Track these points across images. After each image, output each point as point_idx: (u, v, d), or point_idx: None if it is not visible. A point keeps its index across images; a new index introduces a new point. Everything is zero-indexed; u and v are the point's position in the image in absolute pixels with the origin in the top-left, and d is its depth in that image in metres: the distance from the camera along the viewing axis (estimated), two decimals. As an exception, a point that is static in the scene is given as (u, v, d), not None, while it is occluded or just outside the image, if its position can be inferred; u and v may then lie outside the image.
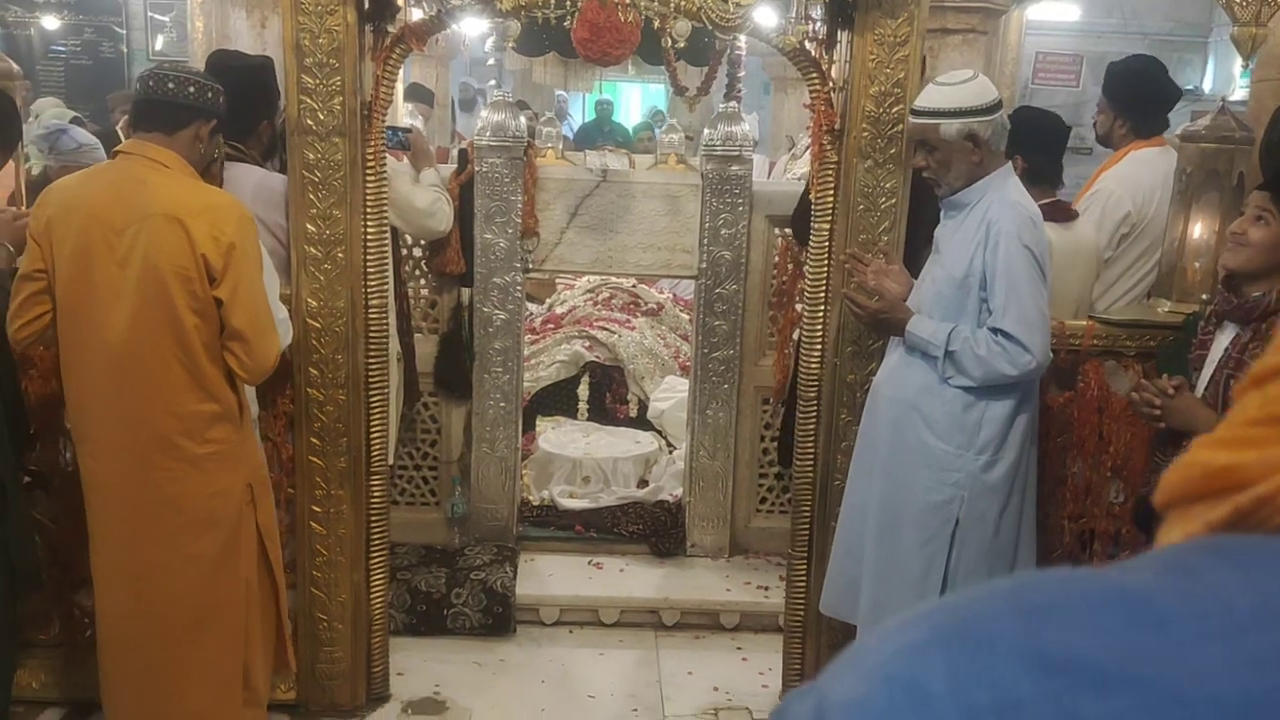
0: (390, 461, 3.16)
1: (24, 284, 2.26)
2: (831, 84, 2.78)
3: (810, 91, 2.81)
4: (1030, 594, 0.32)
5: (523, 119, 3.62)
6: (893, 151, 2.72)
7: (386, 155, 2.82)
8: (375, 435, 2.84)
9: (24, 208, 3.00)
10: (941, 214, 2.58)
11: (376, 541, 2.91)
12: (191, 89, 2.23)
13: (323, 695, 2.93)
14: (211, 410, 2.23)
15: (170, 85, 2.22)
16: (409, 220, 3.21)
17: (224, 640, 2.33)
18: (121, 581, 2.29)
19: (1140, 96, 3.33)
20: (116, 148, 2.30)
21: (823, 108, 2.77)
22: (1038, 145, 2.96)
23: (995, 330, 2.38)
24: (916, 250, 2.78)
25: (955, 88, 2.44)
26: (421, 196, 3.20)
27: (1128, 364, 2.84)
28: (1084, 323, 2.85)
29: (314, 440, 2.78)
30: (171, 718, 2.33)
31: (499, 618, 3.40)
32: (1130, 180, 3.22)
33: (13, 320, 2.28)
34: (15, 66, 3.18)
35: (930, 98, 2.47)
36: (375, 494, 2.88)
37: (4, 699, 2.72)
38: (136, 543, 2.25)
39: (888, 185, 2.75)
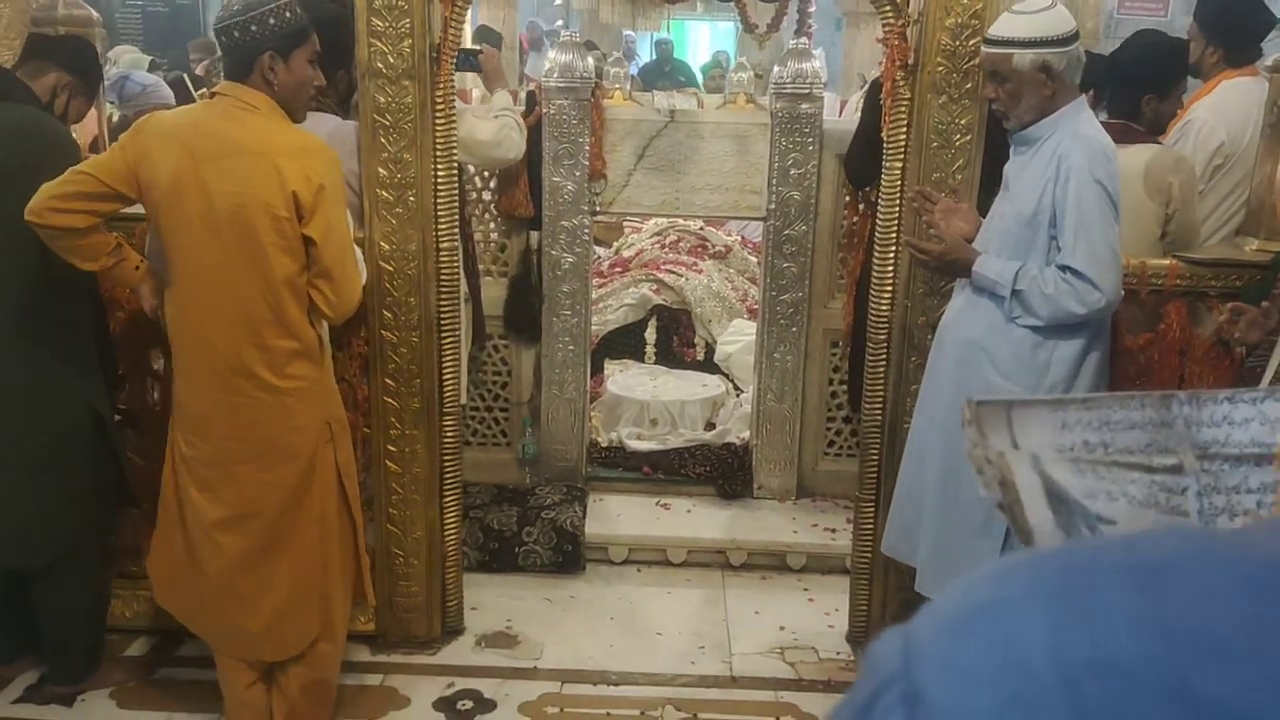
0: (464, 400, 3.22)
1: (86, 181, 2.21)
2: (906, 17, 2.71)
3: (883, 25, 2.74)
4: (1146, 552, 0.29)
5: (590, 60, 3.59)
6: (968, 86, 2.65)
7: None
8: (448, 376, 2.89)
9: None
10: (1011, 149, 2.51)
11: (450, 480, 2.98)
12: (236, 32, 2.21)
13: (400, 627, 3.03)
14: (292, 346, 2.29)
15: (222, 38, 2.24)
16: (476, 155, 3.20)
17: (298, 568, 2.41)
18: (205, 498, 2.38)
19: (1233, 23, 3.20)
20: (214, 88, 2.32)
21: (896, 42, 2.70)
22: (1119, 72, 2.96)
23: (1064, 268, 2.32)
24: (988, 190, 2.72)
25: (1031, 16, 2.36)
26: (484, 129, 3.17)
27: (1212, 304, 2.75)
28: (1167, 262, 2.77)
29: (388, 381, 2.84)
30: (246, 634, 2.44)
31: (569, 556, 3.46)
32: (1223, 109, 3.10)
33: (48, 198, 2.20)
34: (95, 14, 3.24)
35: (1004, 26, 2.39)
36: (448, 434, 2.94)
37: (100, 627, 2.87)
38: (221, 460, 2.34)
39: (963, 122, 2.68)
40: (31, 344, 2.52)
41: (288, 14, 2.24)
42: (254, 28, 2.21)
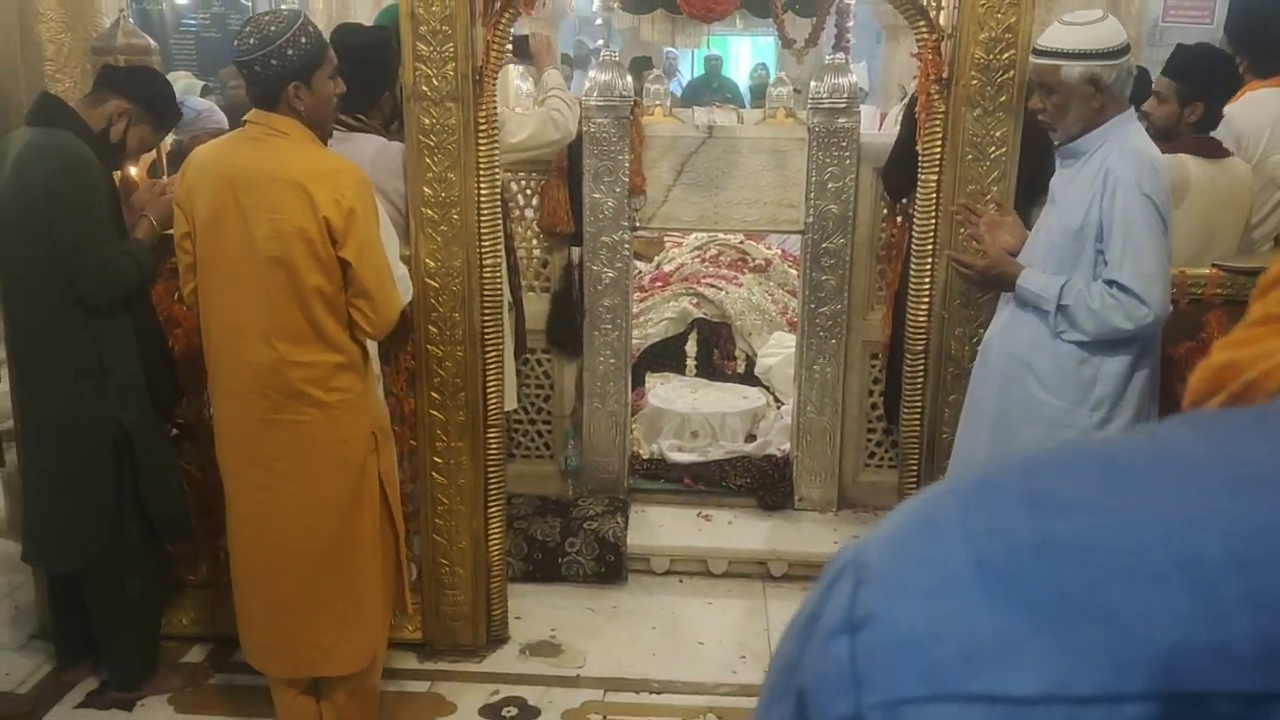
0: (513, 406, 3.25)
1: (180, 253, 2.43)
2: (940, 32, 2.74)
3: (917, 39, 2.78)
4: (1033, 458, 0.39)
5: (629, 78, 3.65)
6: (1003, 99, 2.67)
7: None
8: (491, 390, 2.96)
9: (165, 178, 3.20)
10: (1057, 162, 2.51)
11: (494, 491, 3.04)
12: (258, 67, 2.24)
13: (446, 635, 3.09)
14: (336, 360, 2.35)
15: (244, 71, 2.28)
16: (523, 154, 3.26)
17: (356, 578, 2.47)
18: (257, 521, 2.44)
19: (1259, 34, 3.20)
20: (245, 116, 2.40)
21: (930, 56, 2.73)
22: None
23: (1111, 283, 2.30)
24: (1026, 202, 2.73)
25: (1082, 28, 2.34)
26: (520, 129, 3.19)
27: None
28: (1206, 270, 2.76)
29: (434, 395, 2.91)
30: (306, 650, 2.49)
31: (611, 566, 3.51)
32: (1240, 120, 3.09)
33: (182, 286, 2.49)
34: (152, 42, 3.36)
35: (1054, 37, 2.36)
36: (492, 446, 3.00)
37: (155, 634, 2.96)
38: (271, 483, 2.40)
39: (998, 134, 2.71)
40: (58, 364, 2.63)
41: (303, 39, 2.25)
42: (274, 61, 2.23)
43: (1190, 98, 2.89)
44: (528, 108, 3.83)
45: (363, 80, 2.63)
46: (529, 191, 3.72)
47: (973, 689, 0.32)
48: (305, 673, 2.54)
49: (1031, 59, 2.44)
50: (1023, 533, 0.35)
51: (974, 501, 0.37)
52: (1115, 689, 0.31)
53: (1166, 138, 2.92)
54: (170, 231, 2.55)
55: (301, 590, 2.44)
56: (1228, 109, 3.13)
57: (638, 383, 4.41)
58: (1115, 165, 2.31)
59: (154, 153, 3.38)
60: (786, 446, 4.00)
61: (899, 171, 3.33)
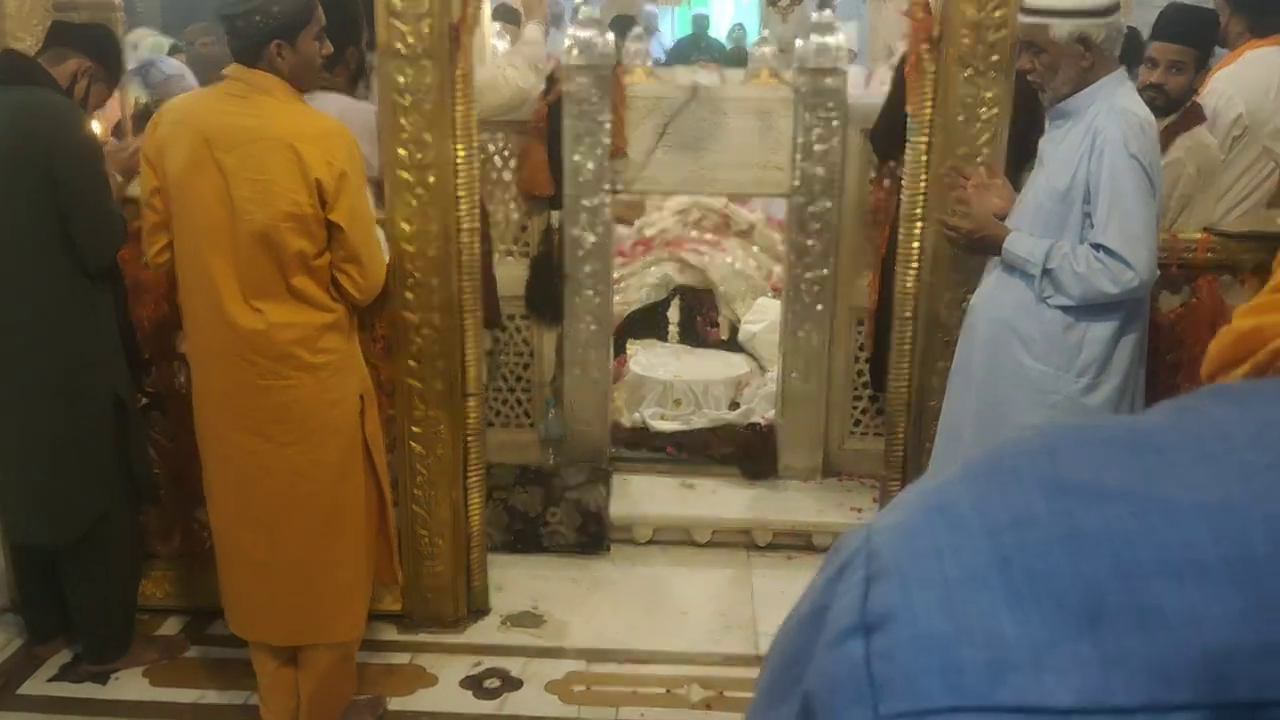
0: (483, 379, 3.21)
1: (146, 212, 2.34)
2: (930, -11, 2.67)
3: (907, -2, 2.70)
4: (1053, 437, 0.36)
5: (610, 36, 3.56)
6: (994, 59, 2.61)
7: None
8: (470, 358, 2.89)
9: (130, 138, 3.10)
10: (1047, 123, 2.46)
11: (473, 461, 2.99)
12: (240, 22, 2.18)
13: (426, 607, 3.04)
14: (324, 320, 2.30)
15: (226, 25, 2.22)
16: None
17: (352, 542, 2.44)
18: (250, 488, 2.38)
19: None
20: (223, 70, 2.30)
21: (920, 14, 2.66)
22: None
23: (1097, 246, 2.26)
24: (1018, 166, 2.68)
25: None
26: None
27: (1244, 278, 2.71)
28: (1198, 235, 2.72)
29: (411, 363, 2.84)
30: (306, 617, 2.45)
31: (593, 536, 3.47)
32: (1243, 80, 3.05)
33: (147, 248, 2.40)
34: (116, -2, 3.24)
35: None
36: (471, 415, 2.95)
37: (130, 606, 2.91)
38: (265, 449, 2.33)
39: (989, 95, 2.64)
40: (55, 327, 2.55)
41: None
42: (258, 18, 2.17)
43: (1202, 63, 2.84)
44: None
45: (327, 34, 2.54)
46: (507, 154, 3.63)
47: (1002, 699, 0.30)
48: (307, 640, 2.49)
49: (1020, 17, 2.39)
50: (1047, 524, 0.32)
51: (991, 488, 0.34)
52: (1159, 699, 0.29)
53: (1170, 110, 2.85)
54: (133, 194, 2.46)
55: (302, 556, 2.39)
56: (1227, 70, 3.09)
57: (619, 350, 4.35)
58: (1103, 126, 2.28)
59: (119, 113, 3.29)
60: (771, 414, 3.96)
61: (888, 134, 3.26)
